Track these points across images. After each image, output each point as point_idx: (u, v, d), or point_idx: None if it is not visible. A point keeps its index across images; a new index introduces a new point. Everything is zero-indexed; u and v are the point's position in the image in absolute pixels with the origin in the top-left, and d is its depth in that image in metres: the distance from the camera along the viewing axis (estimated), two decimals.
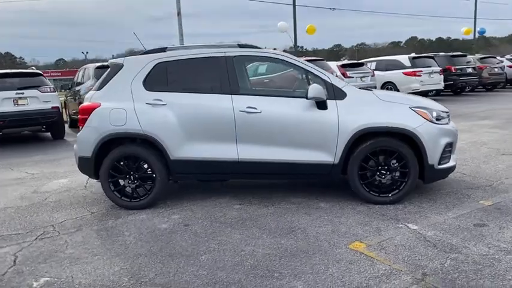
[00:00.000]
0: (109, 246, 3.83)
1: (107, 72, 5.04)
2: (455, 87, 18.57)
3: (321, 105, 4.52)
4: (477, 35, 31.65)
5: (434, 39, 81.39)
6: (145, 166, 4.77)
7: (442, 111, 4.74)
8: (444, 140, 4.59)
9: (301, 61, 4.88)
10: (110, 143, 4.75)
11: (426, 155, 4.48)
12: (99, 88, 4.91)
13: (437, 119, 4.62)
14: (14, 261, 3.59)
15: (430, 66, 17.16)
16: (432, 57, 17.94)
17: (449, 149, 4.68)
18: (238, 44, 4.94)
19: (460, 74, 18.31)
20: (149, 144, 4.72)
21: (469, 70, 18.67)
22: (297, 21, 21.41)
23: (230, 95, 4.65)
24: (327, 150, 4.55)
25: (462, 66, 18.55)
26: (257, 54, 4.94)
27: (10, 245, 3.95)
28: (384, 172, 4.56)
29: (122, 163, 4.75)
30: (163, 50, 4.98)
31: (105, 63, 5.93)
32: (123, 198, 4.80)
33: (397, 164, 4.53)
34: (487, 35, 35.89)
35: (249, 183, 5.57)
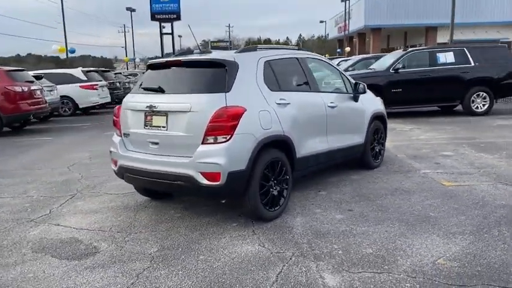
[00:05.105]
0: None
1: (215, 71, 4.20)
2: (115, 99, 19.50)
3: (357, 98, 5.86)
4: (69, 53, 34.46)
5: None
6: (280, 169, 4.47)
7: None
8: None
9: (336, 66, 5.93)
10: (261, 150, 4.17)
11: (386, 128, 6.73)
12: (227, 90, 4.06)
13: None
14: None
15: (101, 80, 17.79)
16: (98, 71, 18.68)
17: None
18: (298, 48, 5.36)
19: (114, 87, 19.69)
20: (282, 145, 4.49)
21: (117, 84, 20.41)
22: None
23: (318, 93, 5.17)
24: (362, 134, 5.97)
25: (113, 80, 20.06)
26: (314, 57, 5.58)
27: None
28: (377, 144, 6.45)
29: (266, 170, 4.28)
30: (254, 48, 4.70)
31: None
32: (268, 209, 4.31)
33: (379, 137, 6.52)
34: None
35: None
